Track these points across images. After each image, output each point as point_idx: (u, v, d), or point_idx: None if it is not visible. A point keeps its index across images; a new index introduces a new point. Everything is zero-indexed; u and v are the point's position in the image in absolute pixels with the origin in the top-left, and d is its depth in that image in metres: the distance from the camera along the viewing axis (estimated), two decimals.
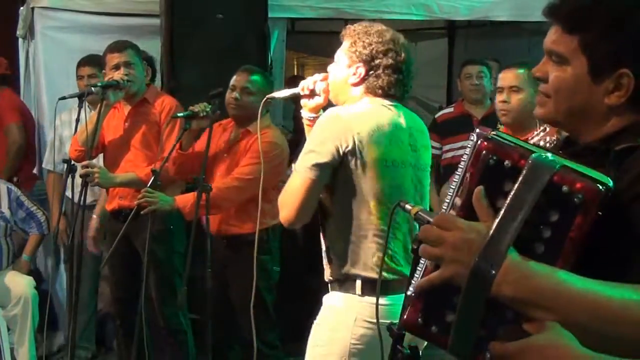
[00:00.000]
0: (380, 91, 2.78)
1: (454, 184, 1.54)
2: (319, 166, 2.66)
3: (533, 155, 1.40)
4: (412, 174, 2.81)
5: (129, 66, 4.42)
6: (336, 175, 2.71)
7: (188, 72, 5.06)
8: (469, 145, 1.53)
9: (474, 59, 5.71)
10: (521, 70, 3.63)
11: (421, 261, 1.58)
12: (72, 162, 4.40)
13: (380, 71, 2.77)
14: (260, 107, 3.03)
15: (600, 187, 1.37)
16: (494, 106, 3.95)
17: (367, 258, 2.73)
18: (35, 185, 5.77)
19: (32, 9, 5.64)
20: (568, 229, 1.37)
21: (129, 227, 4.02)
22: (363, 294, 2.72)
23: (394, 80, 2.79)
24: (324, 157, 2.67)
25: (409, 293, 1.57)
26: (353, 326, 2.71)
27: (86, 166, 4.23)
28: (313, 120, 2.88)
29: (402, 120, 2.81)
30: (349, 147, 2.67)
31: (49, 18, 5.64)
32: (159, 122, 4.51)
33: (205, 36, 5.07)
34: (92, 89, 4.34)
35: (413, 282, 1.58)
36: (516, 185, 1.37)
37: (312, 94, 2.88)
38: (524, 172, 1.38)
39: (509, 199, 1.37)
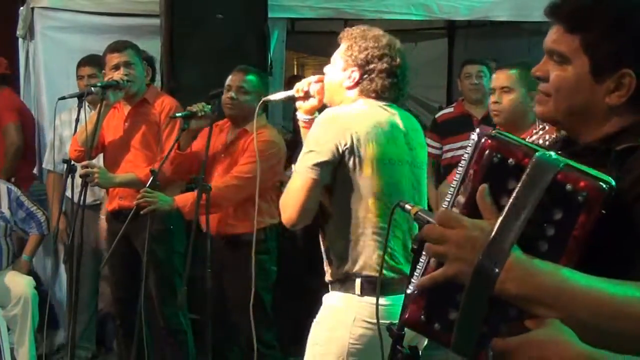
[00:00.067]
0: (374, 94, 2.81)
1: (455, 182, 1.54)
2: (319, 165, 2.68)
3: (537, 153, 1.40)
4: (409, 171, 2.83)
5: (128, 66, 4.42)
6: (335, 174, 2.72)
7: (188, 72, 5.06)
8: (469, 145, 1.53)
9: (474, 59, 5.71)
10: (512, 71, 3.65)
11: (421, 259, 1.58)
12: (72, 162, 4.40)
13: (374, 75, 2.80)
14: (257, 108, 3.05)
15: (604, 186, 1.38)
16: None
17: (367, 256, 2.74)
18: (32, 185, 5.76)
19: (32, 9, 5.64)
20: (572, 228, 1.38)
21: (129, 227, 4.02)
22: (362, 293, 2.73)
23: (388, 84, 2.81)
24: (324, 156, 2.68)
25: (409, 291, 1.57)
26: (352, 326, 2.72)
27: (86, 166, 4.23)
28: (308, 122, 2.90)
29: (397, 120, 2.83)
30: (347, 146, 2.69)
31: (49, 18, 5.64)
32: (158, 123, 4.51)
33: (205, 36, 5.08)
34: (92, 89, 4.34)
35: (413, 280, 1.58)
36: (520, 184, 1.38)
37: (307, 95, 2.91)
38: (528, 170, 1.38)
39: (512, 197, 1.37)
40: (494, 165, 1.43)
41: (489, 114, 4.12)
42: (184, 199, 4.17)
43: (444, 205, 1.56)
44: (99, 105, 4.34)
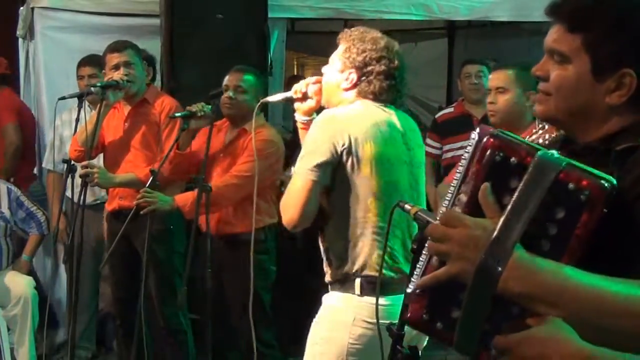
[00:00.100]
0: (371, 96, 2.82)
1: (455, 181, 1.54)
2: (318, 166, 2.69)
3: (539, 152, 1.41)
4: (407, 171, 2.84)
5: (128, 66, 4.42)
6: (333, 175, 2.73)
7: (188, 72, 5.06)
8: (469, 144, 1.54)
9: (474, 59, 5.71)
10: (508, 71, 3.66)
11: (421, 258, 1.58)
12: (72, 162, 4.40)
13: (372, 77, 2.81)
14: (256, 108, 3.07)
15: (606, 185, 1.38)
16: None
17: (367, 256, 2.74)
18: (31, 186, 5.75)
19: (32, 9, 5.64)
20: (574, 226, 1.38)
21: (129, 227, 4.02)
22: (362, 293, 2.73)
23: (386, 86, 2.82)
24: (323, 157, 2.69)
25: (409, 290, 1.57)
26: (351, 326, 2.72)
27: (86, 166, 4.23)
28: (306, 124, 2.92)
29: (394, 120, 2.84)
30: (345, 146, 2.70)
31: (49, 18, 5.64)
32: (158, 123, 4.50)
33: (205, 36, 5.07)
34: (92, 89, 4.34)
35: (413, 279, 1.58)
36: (522, 182, 1.38)
37: (305, 97, 2.92)
38: (530, 169, 1.39)
39: (515, 195, 1.38)
40: (496, 164, 1.44)
41: None
42: (184, 199, 4.17)
43: (444, 205, 1.56)
44: (98, 105, 4.34)
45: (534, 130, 2.81)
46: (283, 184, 4.22)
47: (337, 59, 2.86)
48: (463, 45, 7.73)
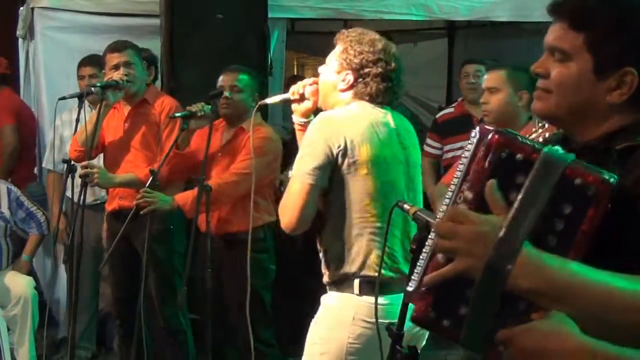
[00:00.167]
0: (368, 98, 2.83)
1: (455, 180, 1.54)
2: (316, 169, 2.70)
3: (544, 149, 1.41)
4: (403, 171, 2.85)
5: (128, 66, 4.42)
6: (330, 177, 2.74)
7: (188, 72, 5.06)
8: (470, 143, 1.54)
9: (474, 59, 5.71)
10: (500, 72, 3.69)
11: (421, 257, 1.58)
12: (72, 162, 4.40)
13: (369, 79, 2.81)
14: (254, 110, 3.09)
15: (611, 180, 1.40)
16: None
17: (365, 257, 2.75)
18: (30, 186, 5.74)
19: (32, 9, 5.64)
20: (580, 222, 1.39)
21: (129, 227, 4.02)
22: (361, 293, 2.74)
23: (383, 88, 2.83)
24: (319, 160, 2.70)
25: (409, 289, 1.57)
26: (351, 325, 2.73)
27: (85, 166, 4.23)
28: (304, 125, 2.93)
29: (390, 120, 2.85)
30: (341, 148, 2.71)
31: (49, 18, 5.64)
32: (158, 123, 4.50)
33: (205, 36, 5.08)
34: (92, 89, 4.34)
35: (413, 278, 1.58)
36: (529, 178, 1.39)
37: (302, 98, 2.93)
38: (537, 165, 1.39)
39: (522, 191, 1.38)
40: (502, 161, 1.44)
41: None
42: (184, 198, 4.18)
43: (444, 203, 1.56)
44: (98, 106, 4.34)
45: (534, 129, 2.81)
46: (282, 184, 4.24)
47: (334, 59, 2.87)
48: (463, 46, 7.73)
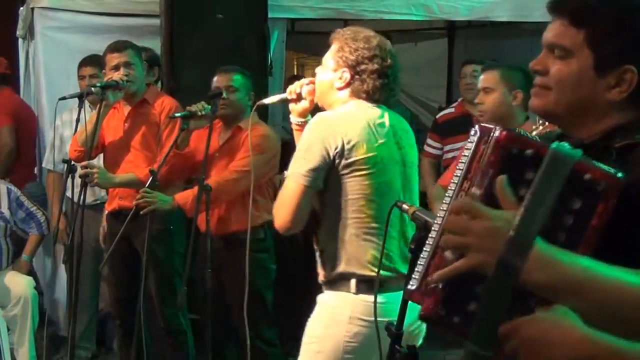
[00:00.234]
0: (364, 95, 2.83)
1: (456, 178, 1.54)
2: (311, 171, 2.71)
3: (552, 144, 1.41)
4: (399, 171, 2.86)
5: (128, 66, 4.42)
6: (326, 177, 2.75)
7: (188, 72, 5.07)
8: (470, 141, 1.54)
9: (473, 59, 5.71)
10: (494, 71, 3.71)
11: (422, 256, 1.58)
12: (72, 162, 4.40)
13: (365, 76, 2.82)
14: (252, 110, 3.09)
15: (619, 175, 1.40)
16: None
17: (361, 256, 2.76)
18: (28, 187, 5.73)
19: (32, 9, 5.64)
20: (590, 217, 1.40)
21: (129, 227, 4.02)
22: (357, 292, 2.75)
23: (379, 85, 2.83)
24: (315, 162, 2.71)
25: (410, 287, 1.57)
26: (347, 324, 2.74)
27: (85, 166, 4.23)
28: (301, 125, 2.94)
29: (386, 120, 2.85)
30: (338, 149, 2.71)
31: (49, 18, 5.64)
32: (158, 123, 4.50)
33: (205, 36, 5.08)
34: (92, 89, 4.35)
35: (414, 277, 1.57)
36: (540, 174, 1.39)
37: (299, 97, 2.94)
38: (546, 160, 1.39)
39: (533, 187, 1.38)
40: (512, 156, 1.44)
41: None
42: (184, 197, 4.18)
43: (445, 202, 1.56)
44: (98, 106, 4.34)
45: (534, 127, 2.82)
46: (282, 184, 4.23)
47: (330, 58, 2.88)
48: (463, 46, 7.73)
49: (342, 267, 2.77)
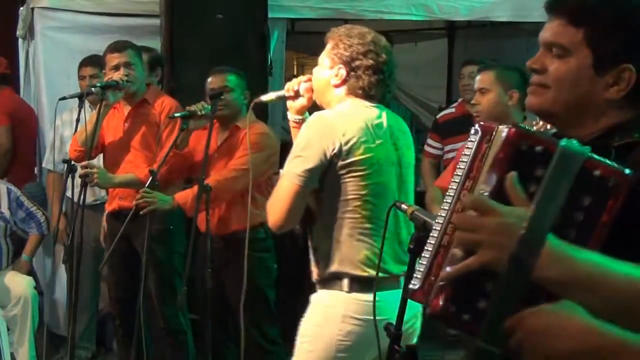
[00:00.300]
0: (360, 92, 2.83)
1: (457, 177, 1.54)
2: (306, 172, 2.71)
3: (561, 142, 1.42)
4: (396, 172, 2.86)
5: (128, 66, 4.42)
6: (323, 177, 2.75)
7: (188, 72, 5.07)
8: (471, 140, 1.54)
9: (473, 60, 5.71)
10: (489, 72, 3.72)
11: (424, 255, 1.57)
12: (72, 162, 4.40)
13: (360, 72, 2.81)
14: (250, 107, 3.08)
15: (627, 171, 1.41)
16: None
17: (354, 256, 2.76)
18: (26, 187, 5.72)
19: (32, 9, 5.64)
20: (600, 213, 1.40)
21: (129, 227, 4.02)
22: (350, 290, 2.76)
23: (375, 81, 2.83)
24: (311, 162, 2.71)
25: (412, 287, 1.56)
26: (340, 322, 2.75)
27: (85, 166, 4.23)
28: (299, 123, 2.94)
29: (384, 120, 2.86)
30: (335, 150, 2.71)
31: (49, 18, 5.64)
32: (158, 123, 4.50)
33: (205, 36, 5.08)
34: (92, 89, 4.35)
35: (416, 276, 1.57)
36: (550, 170, 1.39)
37: (297, 95, 2.93)
38: (556, 157, 1.39)
39: (544, 183, 1.38)
40: (522, 153, 1.44)
41: None
42: (184, 196, 4.19)
43: (447, 201, 1.56)
44: (98, 106, 4.34)
45: (534, 125, 2.83)
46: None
47: (325, 56, 2.88)
48: (463, 46, 7.73)
49: (335, 267, 2.78)
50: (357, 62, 2.80)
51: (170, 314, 4.49)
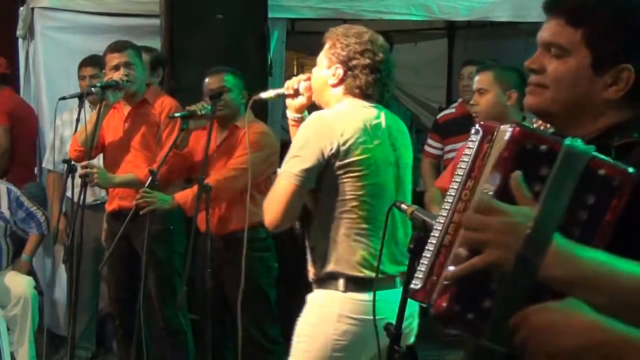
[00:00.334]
0: (358, 91, 2.83)
1: (458, 177, 1.54)
2: (304, 171, 2.71)
3: (565, 141, 1.42)
4: (393, 173, 2.86)
5: (128, 66, 4.42)
6: (320, 177, 2.75)
7: (188, 72, 5.07)
8: (471, 140, 1.54)
9: (473, 60, 5.71)
10: (487, 72, 3.72)
11: (425, 255, 1.57)
12: (72, 162, 4.40)
13: (357, 71, 2.82)
14: (249, 105, 3.08)
15: (632, 170, 1.41)
16: None
17: (350, 257, 2.77)
18: (24, 187, 5.72)
19: (32, 9, 5.64)
20: (604, 212, 1.41)
21: (129, 227, 4.02)
22: (346, 290, 2.76)
23: (372, 80, 2.83)
24: (309, 162, 2.71)
25: (414, 287, 1.56)
26: (336, 322, 2.75)
27: (85, 166, 4.23)
28: (298, 121, 2.95)
29: (382, 120, 2.86)
30: (333, 151, 2.72)
31: (49, 18, 5.64)
32: (158, 123, 4.51)
33: (205, 36, 5.08)
34: (92, 89, 4.35)
35: (418, 276, 1.57)
36: (555, 170, 1.39)
37: (297, 93, 2.94)
38: (561, 156, 1.40)
39: (549, 182, 1.38)
40: (527, 152, 1.44)
41: None
42: (184, 196, 4.19)
43: (447, 201, 1.56)
44: (98, 106, 4.34)
45: (534, 121, 2.83)
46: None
47: (323, 56, 2.88)
48: (463, 46, 7.73)
49: (331, 267, 2.78)
50: (354, 62, 2.81)
51: (170, 314, 4.49)
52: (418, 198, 5.07)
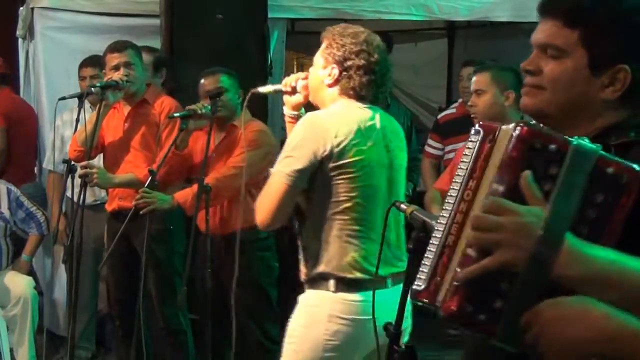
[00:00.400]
0: (352, 92, 2.83)
1: (459, 177, 1.54)
2: (296, 172, 2.71)
3: (572, 140, 1.42)
4: (386, 174, 2.86)
5: (128, 66, 4.42)
6: (313, 178, 2.75)
7: (188, 72, 5.06)
8: (471, 140, 1.53)
9: (473, 60, 5.71)
10: (485, 73, 3.73)
11: (427, 255, 1.56)
12: (72, 162, 4.40)
13: (352, 72, 2.81)
14: (245, 101, 3.08)
15: (639, 168, 1.41)
16: None
17: (341, 258, 2.77)
18: (22, 187, 5.71)
19: (32, 9, 5.64)
20: (613, 210, 1.41)
21: (129, 227, 4.02)
22: (336, 290, 2.77)
23: (366, 82, 2.82)
24: (302, 163, 2.71)
25: (417, 287, 1.55)
26: (327, 322, 2.76)
27: (85, 166, 4.23)
28: (294, 118, 2.94)
29: (376, 122, 2.86)
30: (327, 152, 2.72)
31: (48, 18, 5.64)
32: (158, 123, 4.51)
33: (205, 36, 5.08)
34: (92, 89, 4.35)
35: (420, 277, 1.56)
36: (564, 169, 1.40)
37: (294, 90, 2.94)
38: (570, 155, 1.40)
39: (559, 181, 1.39)
40: (536, 151, 1.44)
41: None
42: (184, 195, 4.19)
43: (448, 202, 1.55)
44: (98, 106, 4.35)
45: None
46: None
47: (319, 56, 2.89)
48: (463, 46, 7.74)
49: (322, 267, 2.78)
50: (349, 62, 2.80)
51: (170, 314, 4.49)
52: (418, 198, 5.08)
